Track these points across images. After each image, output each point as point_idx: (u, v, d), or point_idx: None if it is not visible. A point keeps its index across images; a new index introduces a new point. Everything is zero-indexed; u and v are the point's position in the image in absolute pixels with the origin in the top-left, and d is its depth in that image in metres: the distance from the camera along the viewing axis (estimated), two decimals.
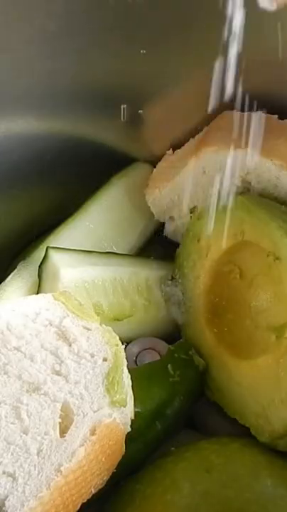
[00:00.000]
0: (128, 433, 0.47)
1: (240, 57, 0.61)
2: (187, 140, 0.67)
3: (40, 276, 0.61)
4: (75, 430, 0.44)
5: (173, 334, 0.63)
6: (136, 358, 0.61)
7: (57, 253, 0.61)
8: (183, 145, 0.67)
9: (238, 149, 0.59)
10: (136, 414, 0.49)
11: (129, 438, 0.47)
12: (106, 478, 0.45)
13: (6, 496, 0.41)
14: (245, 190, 0.62)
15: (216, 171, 0.61)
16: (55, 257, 0.60)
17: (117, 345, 0.49)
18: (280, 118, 0.63)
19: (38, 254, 0.63)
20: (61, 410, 0.45)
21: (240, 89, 0.65)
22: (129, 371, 0.49)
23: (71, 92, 0.62)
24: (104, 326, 0.51)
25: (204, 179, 0.62)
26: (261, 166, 0.59)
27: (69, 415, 0.45)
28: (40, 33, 0.55)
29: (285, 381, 0.52)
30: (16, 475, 0.42)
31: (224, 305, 0.60)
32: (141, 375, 0.56)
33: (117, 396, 0.46)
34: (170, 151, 0.68)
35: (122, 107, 0.65)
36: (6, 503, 0.41)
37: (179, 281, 0.63)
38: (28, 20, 0.54)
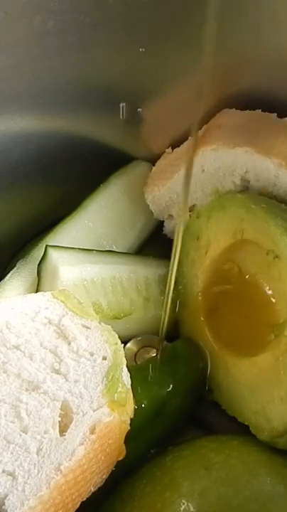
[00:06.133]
0: (127, 431, 0.47)
1: (239, 56, 0.62)
2: (186, 138, 0.67)
3: (39, 274, 0.61)
4: (75, 429, 0.44)
5: (172, 332, 0.63)
6: (136, 356, 0.61)
7: (56, 251, 0.61)
8: (182, 143, 0.67)
9: (237, 148, 0.59)
10: (136, 412, 0.49)
11: (129, 436, 0.47)
12: (105, 476, 0.46)
13: (6, 495, 0.41)
14: (244, 189, 0.62)
15: (215, 169, 0.61)
16: (54, 255, 0.60)
17: (116, 343, 0.49)
18: (279, 116, 0.63)
19: (37, 252, 0.63)
20: (60, 409, 0.45)
21: (239, 88, 0.65)
22: (128, 369, 0.49)
23: (70, 90, 0.61)
24: (103, 324, 0.51)
25: (204, 177, 0.62)
26: (259, 164, 0.59)
27: (69, 414, 0.45)
28: (39, 31, 0.55)
29: (284, 379, 0.52)
30: (16, 474, 0.42)
31: (223, 303, 0.60)
32: (141, 374, 0.56)
33: (117, 395, 0.46)
34: (169, 149, 0.68)
35: (121, 105, 0.65)
36: (6, 501, 0.41)
37: (178, 279, 0.63)
38: (28, 19, 0.54)
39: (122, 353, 0.49)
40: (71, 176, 0.69)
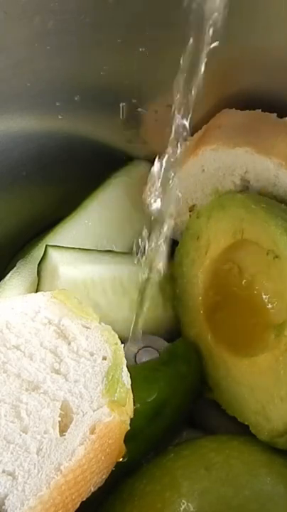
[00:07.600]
0: (127, 431, 0.47)
1: (239, 56, 0.62)
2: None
3: (39, 274, 0.61)
4: (75, 429, 0.44)
5: (172, 332, 0.63)
6: (135, 356, 0.61)
7: (56, 251, 0.61)
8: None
9: (237, 148, 0.59)
10: (136, 412, 0.48)
11: (129, 436, 0.47)
12: (105, 476, 0.45)
13: (6, 495, 0.41)
14: (244, 189, 0.62)
15: (215, 169, 0.61)
16: (54, 255, 0.60)
17: (116, 343, 0.49)
18: (279, 116, 0.63)
19: (37, 252, 0.63)
20: (60, 409, 0.45)
21: (239, 88, 0.65)
22: (128, 369, 0.49)
23: (70, 90, 0.61)
24: (103, 324, 0.51)
25: (204, 177, 0.62)
26: (259, 164, 0.59)
27: (69, 414, 0.45)
28: (39, 31, 0.55)
29: (284, 379, 0.52)
30: (16, 474, 0.42)
31: (223, 303, 0.60)
32: (140, 374, 0.56)
33: (117, 395, 0.46)
34: (169, 149, 0.68)
35: (121, 105, 0.65)
36: (6, 501, 0.40)
37: (178, 279, 0.63)
38: (28, 19, 0.54)
39: (122, 353, 0.49)
40: (71, 176, 0.69)
